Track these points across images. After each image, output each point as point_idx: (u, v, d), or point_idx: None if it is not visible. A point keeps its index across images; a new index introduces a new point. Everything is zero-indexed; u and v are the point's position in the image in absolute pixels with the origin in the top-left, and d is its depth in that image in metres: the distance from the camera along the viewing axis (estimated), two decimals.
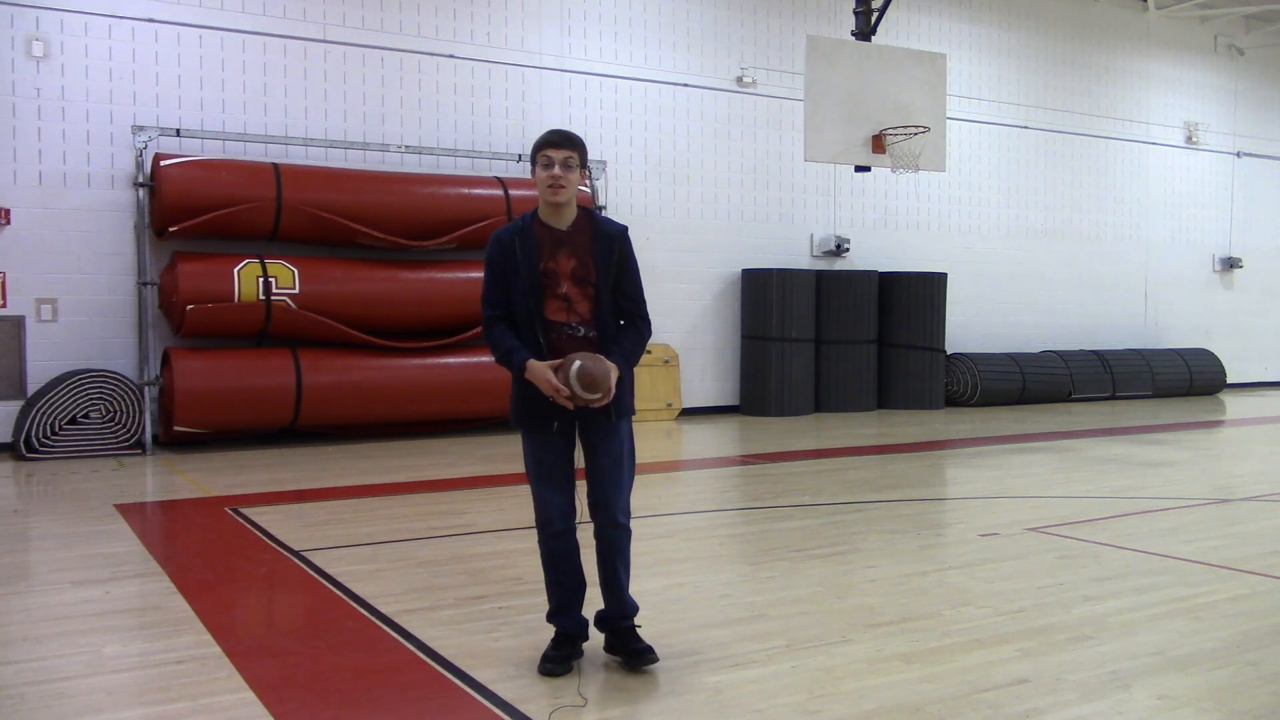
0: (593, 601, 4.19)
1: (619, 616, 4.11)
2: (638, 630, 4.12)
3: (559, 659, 4.05)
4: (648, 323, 4.19)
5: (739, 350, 14.30)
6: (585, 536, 4.11)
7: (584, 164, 4.08)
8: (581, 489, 4.11)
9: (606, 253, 4.06)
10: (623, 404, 4.06)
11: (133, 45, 10.66)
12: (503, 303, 4.08)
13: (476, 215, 11.46)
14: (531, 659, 4.16)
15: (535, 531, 4.14)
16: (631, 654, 4.04)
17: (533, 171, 4.06)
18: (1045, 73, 17.13)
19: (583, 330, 4.03)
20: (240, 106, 11.15)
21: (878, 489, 8.50)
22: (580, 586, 4.13)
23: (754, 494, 8.48)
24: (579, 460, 4.14)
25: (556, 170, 3.98)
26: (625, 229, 4.17)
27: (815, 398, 14.28)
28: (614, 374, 3.92)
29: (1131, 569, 5.75)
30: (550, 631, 4.19)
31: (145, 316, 10.55)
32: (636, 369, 4.29)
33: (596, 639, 4.22)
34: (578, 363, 3.88)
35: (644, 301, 4.17)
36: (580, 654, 4.15)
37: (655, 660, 4.02)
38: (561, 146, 4.01)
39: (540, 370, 3.92)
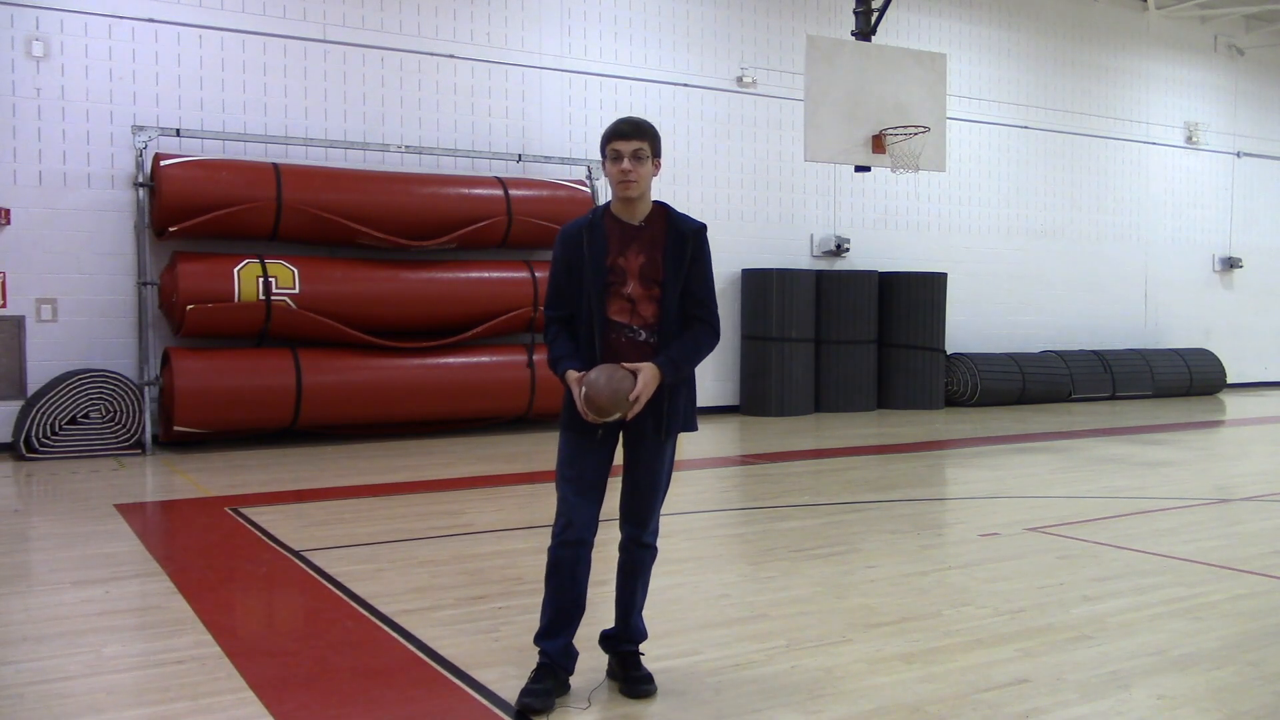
0: (598, 621, 4.18)
1: (623, 639, 3.94)
2: (640, 658, 3.94)
3: (540, 693, 3.70)
4: (713, 328, 3.86)
5: (739, 350, 14.29)
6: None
7: (656, 153, 3.80)
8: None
9: (679, 251, 3.79)
10: (674, 420, 3.83)
11: (133, 45, 10.65)
12: (562, 304, 3.85)
13: (476, 215, 11.46)
14: (532, 659, 4.15)
15: (538, 532, 4.03)
16: (628, 680, 3.85)
17: (603, 165, 3.80)
18: (1045, 73, 17.13)
19: (644, 334, 3.78)
20: (240, 106, 11.15)
21: (878, 489, 8.50)
22: (578, 609, 3.83)
23: (754, 494, 8.48)
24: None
25: (626, 164, 3.72)
26: (703, 227, 3.87)
27: (815, 398, 14.28)
28: (640, 388, 3.65)
29: (1131, 569, 5.75)
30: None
31: (145, 316, 10.55)
32: None
33: (591, 654, 4.20)
34: (586, 385, 3.65)
35: (713, 305, 3.86)
36: (566, 689, 3.83)
37: (653, 692, 3.83)
38: (631, 137, 3.73)
39: (572, 384, 3.74)
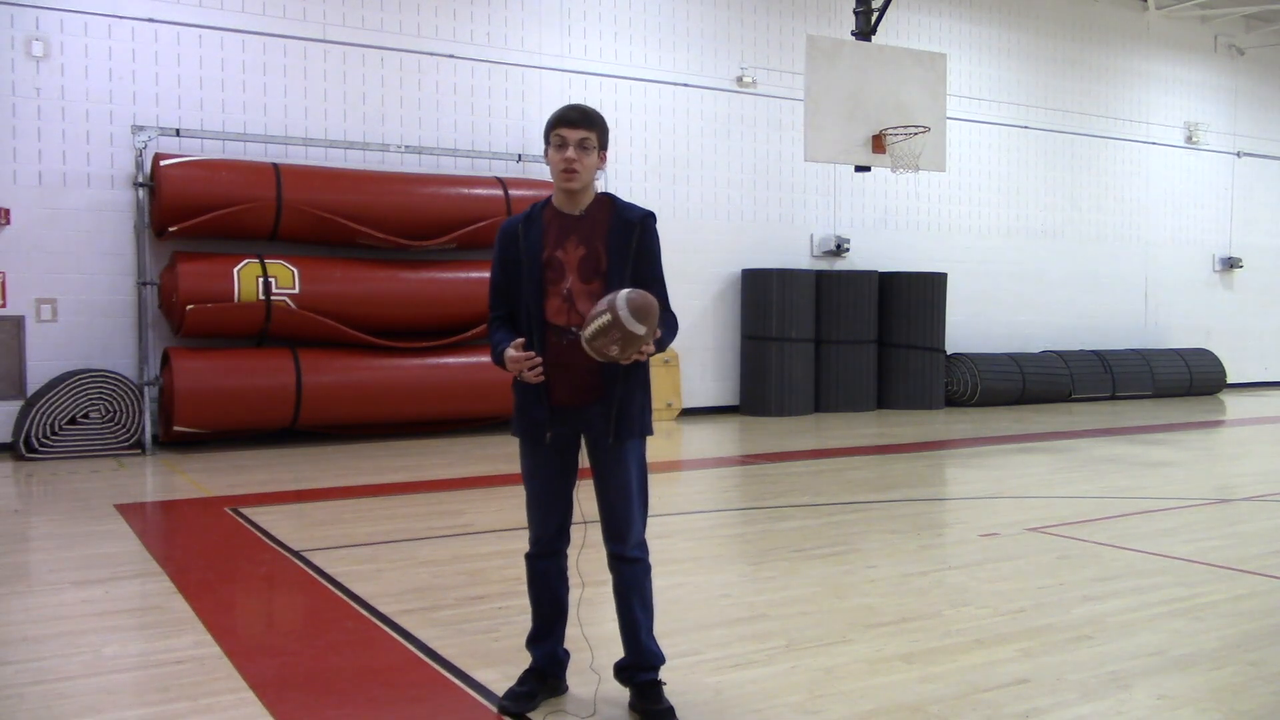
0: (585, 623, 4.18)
1: (637, 667, 3.66)
2: (661, 688, 3.66)
3: (522, 695, 3.68)
4: (671, 316, 3.64)
5: (739, 350, 14.29)
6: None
7: (603, 145, 3.57)
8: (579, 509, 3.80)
9: (623, 241, 3.53)
10: (629, 424, 3.57)
11: (133, 45, 10.65)
12: (501, 302, 3.67)
13: (476, 215, 11.46)
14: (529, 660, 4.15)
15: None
16: (648, 715, 3.56)
17: (545, 152, 3.58)
18: (1045, 73, 17.12)
19: None
20: (240, 106, 11.15)
21: (878, 489, 8.49)
22: (559, 616, 3.78)
23: (754, 494, 8.48)
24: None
25: (570, 152, 3.49)
26: (649, 214, 3.62)
27: (815, 398, 14.28)
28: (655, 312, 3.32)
29: (1131, 569, 5.75)
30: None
31: (145, 316, 10.55)
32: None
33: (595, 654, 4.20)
34: (625, 291, 3.31)
35: (664, 293, 3.63)
36: (560, 691, 3.81)
37: None
38: (578, 125, 3.51)
39: (510, 349, 3.46)
